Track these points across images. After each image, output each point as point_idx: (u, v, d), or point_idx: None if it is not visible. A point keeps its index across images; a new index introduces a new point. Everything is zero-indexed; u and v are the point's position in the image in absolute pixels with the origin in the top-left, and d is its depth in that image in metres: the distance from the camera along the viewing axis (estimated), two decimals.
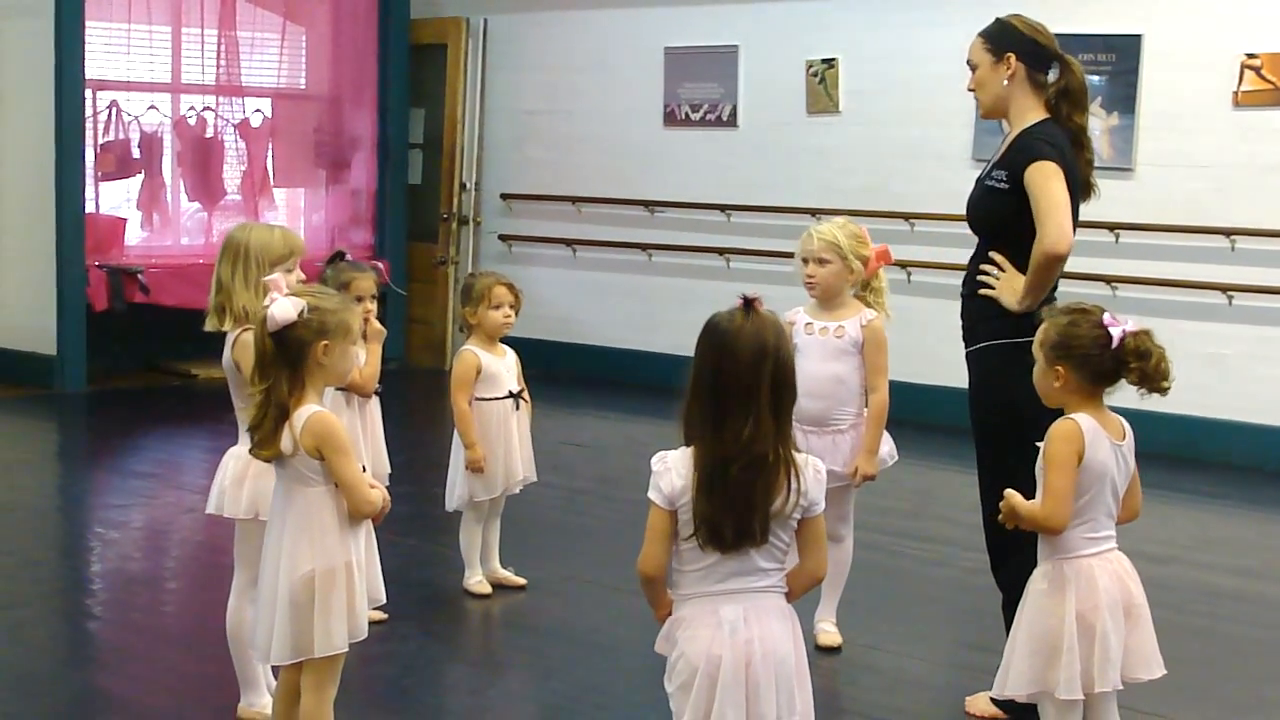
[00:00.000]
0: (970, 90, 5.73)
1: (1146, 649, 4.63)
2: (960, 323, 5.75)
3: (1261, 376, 10.21)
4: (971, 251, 5.76)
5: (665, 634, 4.07)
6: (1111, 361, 4.52)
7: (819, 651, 6.25)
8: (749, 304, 3.95)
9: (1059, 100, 5.58)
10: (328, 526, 4.54)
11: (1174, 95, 10.40)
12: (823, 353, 6.20)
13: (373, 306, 6.48)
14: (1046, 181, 5.36)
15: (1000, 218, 5.51)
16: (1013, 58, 5.56)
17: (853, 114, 11.87)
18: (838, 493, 6.31)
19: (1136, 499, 4.74)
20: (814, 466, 4.00)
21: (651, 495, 3.96)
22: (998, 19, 5.70)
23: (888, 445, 6.40)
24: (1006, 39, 5.59)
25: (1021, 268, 5.43)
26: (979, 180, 5.73)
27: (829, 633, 6.39)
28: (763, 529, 3.90)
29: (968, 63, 5.69)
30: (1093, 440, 4.55)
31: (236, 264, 5.25)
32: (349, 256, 6.70)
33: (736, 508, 3.87)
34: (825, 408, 6.19)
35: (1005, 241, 5.51)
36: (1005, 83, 5.57)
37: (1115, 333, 4.51)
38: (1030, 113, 5.58)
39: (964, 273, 5.76)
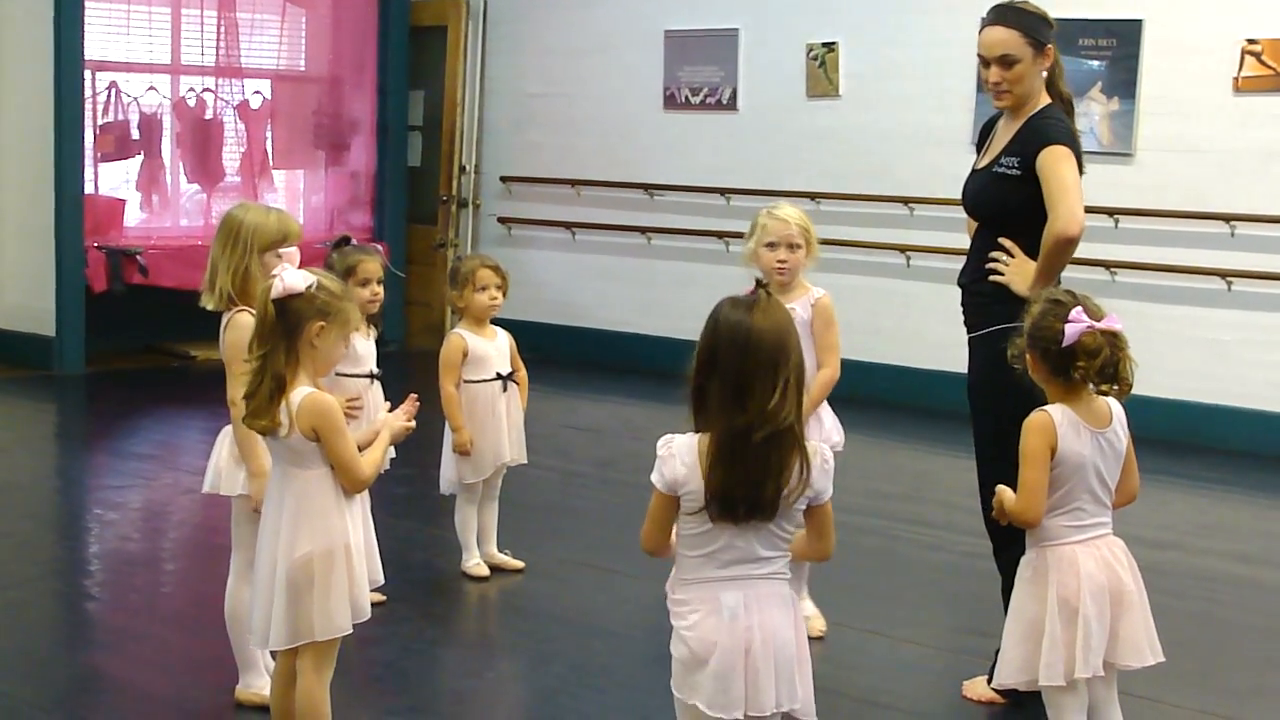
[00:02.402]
0: (997, 84, 5.53)
1: (1138, 636, 4.63)
2: (961, 309, 5.73)
3: (1260, 362, 10.20)
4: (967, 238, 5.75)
5: (671, 607, 4.06)
6: (1065, 359, 4.52)
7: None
8: (763, 287, 3.98)
9: (1053, 76, 5.56)
10: (327, 508, 4.55)
11: (1174, 80, 10.38)
12: None
13: (380, 290, 6.49)
14: (1058, 164, 5.34)
15: (1012, 204, 5.47)
16: (1052, 49, 5.51)
17: (853, 98, 11.85)
18: None
19: (1132, 481, 4.74)
20: (822, 456, 4.00)
21: (654, 479, 3.96)
22: (1016, 8, 5.56)
23: (839, 432, 6.33)
24: (1045, 30, 5.50)
25: (1031, 253, 5.41)
26: (980, 169, 5.68)
27: (809, 617, 6.25)
28: (773, 502, 3.89)
29: (1003, 57, 5.47)
30: (1066, 431, 4.55)
31: (227, 243, 5.24)
32: (354, 242, 6.70)
33: (752, 478, 3.85)
34: None
35: (1015, 228, 5.47)
36: (1044, 74, 5.52)
37: (1070, 330, 4.49)
38: (1038, 96, 5.54)
39: (963, 259, 5.75)
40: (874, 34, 11.70)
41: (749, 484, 3.86)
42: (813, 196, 11.70)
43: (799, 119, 12.11)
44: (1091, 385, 4.56)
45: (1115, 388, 4.57)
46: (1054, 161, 5.35)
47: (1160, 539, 7.77)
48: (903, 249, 11.28)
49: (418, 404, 4.97)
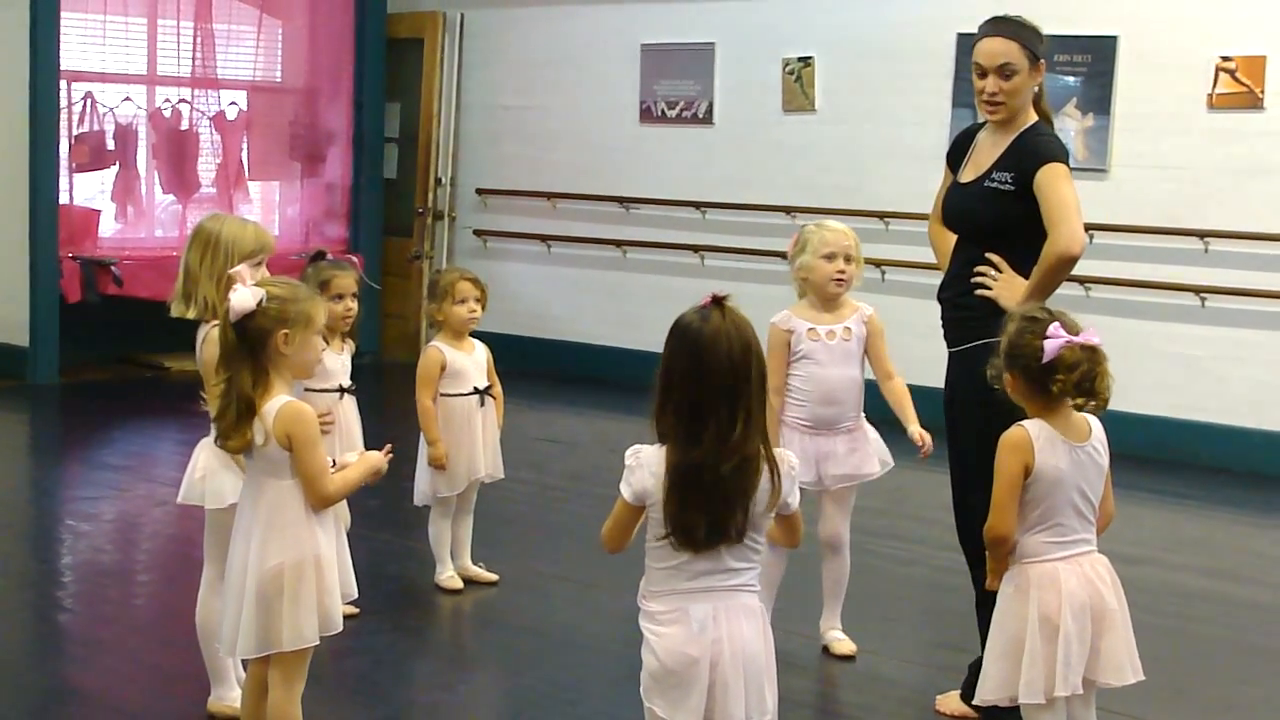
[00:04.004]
0: (993, 94, 5.43)
1: (1119, 653, 4.61)
2: (941, 324, 5.68)
3: (1233, 378, 10.24)
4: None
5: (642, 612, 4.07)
6: (1044, 374, 4.51)
7: (833, 659, 6.28)
8: (720, 302, 3.95)
9: (1038, 93, 5.52)
10: (298, 520, 4.54)
11: (1149, 97, 10.42)
12: (836, 357, 6.13)
13: (354, 305, 6.48)
14: (1059, 182, 5.27)
15: (1005, 221, 5.38)
16: (1043, 65, 5.46)
17: (828, 112, 11.88)
18: (846, 493, 6.30)
19: (1108, 503, 4.72)
20: (789, 463, 3.99)
21: (622, 488, 3.97)
22: (1013, 20, 5.48)
23: (884, 446, 6.40)
24: (1039, 45, 5.44)
25: (1019, 270, 5.34)
26: (967, 183, 5.57)
27: (841, 640, 6.34)
28: (739, 529, 3.89)
29: (1003, 67, 5.39)
30: (1043, 447, 4.52)
31: (205, 253, 5.25)
32: (330, 256, 6.69)
33: (714, 508, 3.85)
34: (840, 411, 6.16)
35: (1005, 244, 5.40)
36: (1035, 89, 5.47)
37: (1049, 346, 4.47)
38: (1027, 113, 5.47)
39: (938, 275, 5.72)
40: (850, 49, 11.72)
41: (711, 516, 3.86)
42: (788, 210, 11.72)
43: (775, 133, 12.13)
44: (1069, 400, 4.55)
45: (1092, 402, 4.55)
46: (1054, 180, 5.28)
47: (1133, 554, 7.77)
48: (878, 263, 11.28)
49: (392, 454, 4.91)
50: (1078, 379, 4.48)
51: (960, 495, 5.56)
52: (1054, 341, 4.47)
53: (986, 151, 5.56)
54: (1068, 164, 5.36)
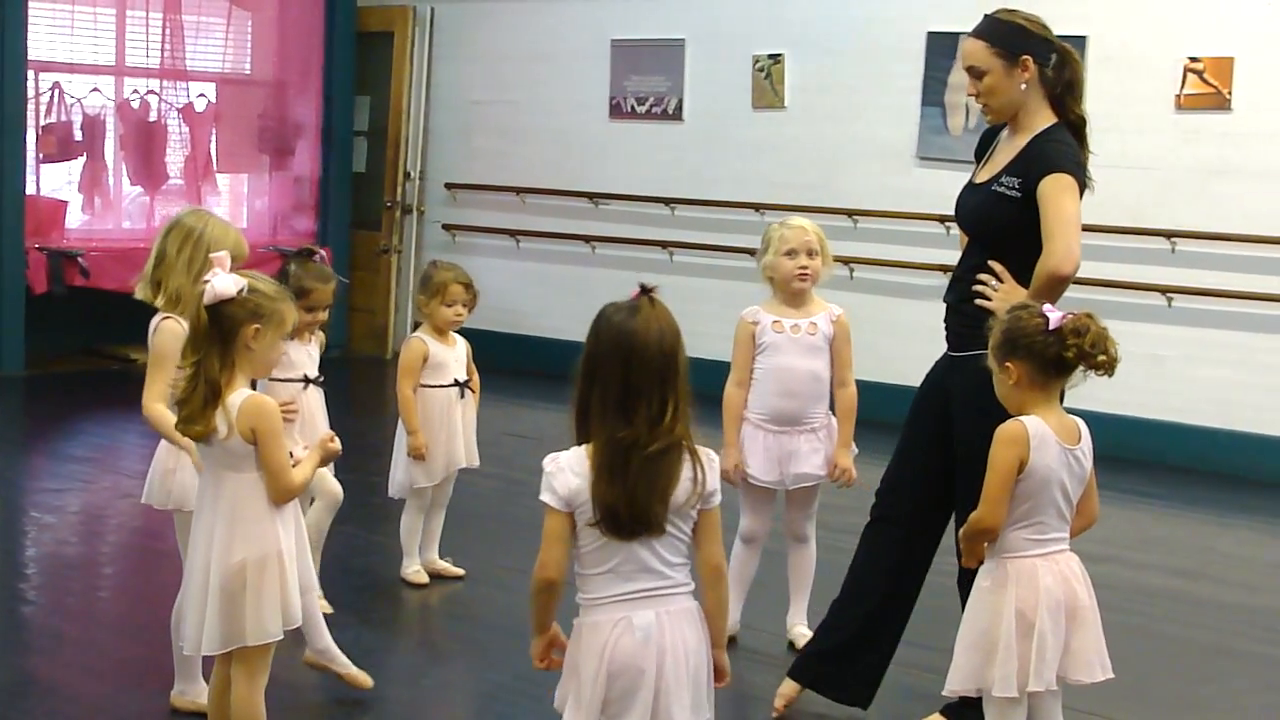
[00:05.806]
0: (973, 96, 5.37)
1: (1089, 651, 4.62)
2: (944, 326, 5.54)
3: (1199, 378, 10.28)
4: (942, 253, 5.64)
5: (570, 648, 4.01)
6: (1055, 344, 4.51)
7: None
8: (647, 292, 3.93)
9: (1063, 94, 5.34)
10: (260, 514, 4.52)
11: (1117, 97, 10.43)
12: (799, 350, 6.16)
13: (323, 316, 6.45)
14: (1060, 195, 5.12)
15: (1010, 227, 5.23)
16: (1029, 60, 5.28)
17: (798, 110, 11.89)
18: (807, 493, 6.31)
19: (1092, 504, 4.71)
20: (708, 456, 3.96)
21: (545, 498, 3.85)
22: (993, 18, 5.40)
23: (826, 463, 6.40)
24: (1019, 41, 5.32)
25: (1023, 278, 5.18)
26: (978, 184, 5.43)
27: (807, 636, 6.27)
28: (659, 518, 3.84)
29: (970, 69, 5.33)
30: (1038, 445, 4.53)
31: (185, 245, 5.21)
32: (320, 257, 6.57)
33: (638, 493, 3.80)
34: (802, 406, 6.18)
35: (1010, 251, 5.24)
36: (1023, 87, 5.28)
37: (1053, 316, 4.52)
38: (1040, 114, 5.31)
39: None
40: (820, 46, 11.74)
41: (633, 501, 3.80)
42: (756, 208, 11.73)
43: (744, 130, 12.14)
44: (1083, 368, 4.54)
45: (1105, 359, 4.54)
46: (1056, 192, 5.13)
47: (1098, 553, 7.75)
48: (846, 261, 11.29)
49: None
50: (1091, 341, 4.50)
51: (965, 498, 5.51)
52: (1056, 313, 4.51)
53: (1004, 153, 5.40)
54: (1077, 175, 5.20)
